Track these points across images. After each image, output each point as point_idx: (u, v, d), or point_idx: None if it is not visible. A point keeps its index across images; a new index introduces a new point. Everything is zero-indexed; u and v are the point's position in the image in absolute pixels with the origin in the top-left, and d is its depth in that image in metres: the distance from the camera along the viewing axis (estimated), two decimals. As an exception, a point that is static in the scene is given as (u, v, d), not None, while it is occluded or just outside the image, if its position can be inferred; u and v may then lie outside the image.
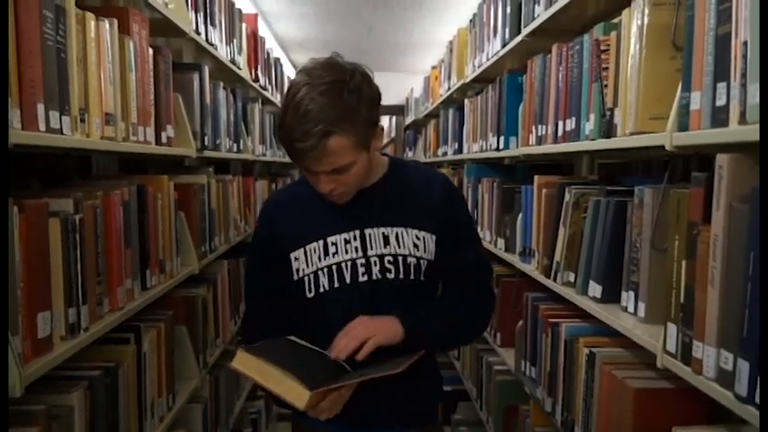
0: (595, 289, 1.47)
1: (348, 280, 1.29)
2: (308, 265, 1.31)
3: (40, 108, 1.07)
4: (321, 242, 1.30)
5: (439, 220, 1.34)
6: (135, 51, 1.54)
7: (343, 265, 1.29)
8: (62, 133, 1.15)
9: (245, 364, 1.14)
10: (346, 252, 1.29)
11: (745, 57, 0.84)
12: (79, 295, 1.20)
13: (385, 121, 10.99)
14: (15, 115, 1.00)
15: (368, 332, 1.21)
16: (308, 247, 1.31)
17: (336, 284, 1.29)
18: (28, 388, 0.98)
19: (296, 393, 1.08)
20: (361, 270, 1.29)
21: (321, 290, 1.30)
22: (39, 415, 1.06)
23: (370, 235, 1.30)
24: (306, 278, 1.31)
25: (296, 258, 1.32)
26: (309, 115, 1.15)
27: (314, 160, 1.19)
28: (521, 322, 2.10)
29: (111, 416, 1.36)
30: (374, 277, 1.29)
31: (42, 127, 1.07)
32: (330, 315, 1.29)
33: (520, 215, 2.11)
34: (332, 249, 1.30)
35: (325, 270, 1.30)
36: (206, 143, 2.23)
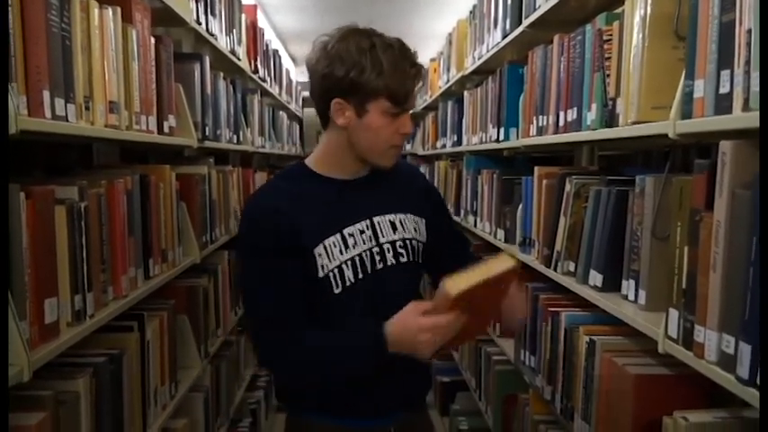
0: (596, 278, 1.48)
1: (369, 269, 1.30)
2: (330, 261, 1.27)
3: (46, 95, 1.07)
4: (339, 235, 1.28)
5: (427, 205, 1.44)
6: (137, 40, 1.54)
7: (363, 255, 1.30)
8: (67, 120, 1.15)
9: (457, 284, 1.13)
10: (363, 242, 1.30)
11: (749, 44, 0.85)
12: (85, 282, 1.21)
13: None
14: (22, 102, 1.01)
15: None
16: (326, 242, 1.27)
17: (360, 275, 1.29)
18: (35, 373, 0.99)
19: (503, 262, 1.16)
20: (377, 258, 1.31)
21: (347, 283, 1.28)
22: (46, 400, 1.07)
23: (379, 223, 1.32)
24: (330, 274, 1.27)
25: (319, 254, 1.27)
26: (410, 51, 1.26)
27: (413, 97, 1.28)
28: (520, 312, 2.11)
29: (116, 403, 1.37)
30: (389, 263, 1.32)
31: (48, 114, 1.08)
32: (354, 307, 1.29)
33: (520, 206, 2.12)
34: (350, 241, 1.29)
35: (349, 263, 1.28)
36: (207, 134, 2.24)
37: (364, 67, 1.21)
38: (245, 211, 1.41)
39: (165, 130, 1.78)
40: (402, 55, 1.23)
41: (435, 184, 3.78)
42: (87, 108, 1.25)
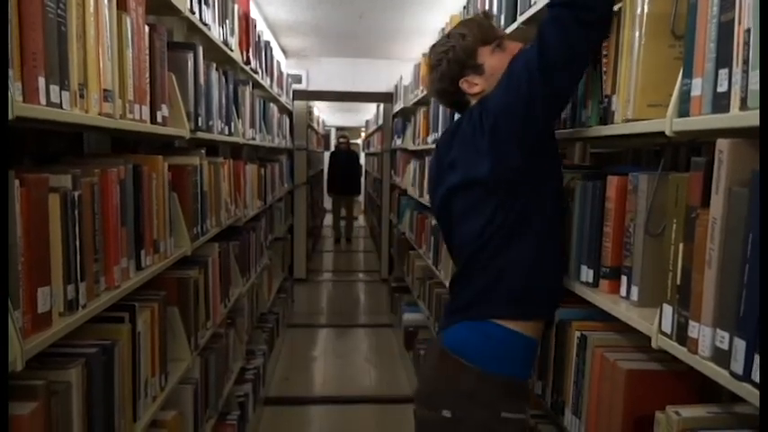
0: (588, 274, 1.49)
1: None
2: None
3: (41, 81, 1.06)
4: None
5: None
6: (132, 28, 1.52)
7: None
8: (62, 108, 1.13)
9: None
10: None
11: (747, 43, 0.86)
12: (77, 272, 1.20)
13: (372, 108, 10.95)
14: (17, 88, 0.99)
15: None
16: None
17: None
18: (27, 363, 0.98)
19: None
20: None
21: None
22: (39, 390, 1.06)
23: None
24: None
25: None
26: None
27: (497, 29, 1.64)
28: (511, 307, 2.12)
29: (107, 394, 1.36)
30: None
31: (43, 101, 1.06)
32: None
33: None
34: None
35: None
36: (199, 124, 2.22)
37: (453, 45, 1.55)
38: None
39: (158, 119, 1.76)
40: (464, 18, 1.59)
41: (427, 179, 3.78)
42: (82, 96, 1.23)
